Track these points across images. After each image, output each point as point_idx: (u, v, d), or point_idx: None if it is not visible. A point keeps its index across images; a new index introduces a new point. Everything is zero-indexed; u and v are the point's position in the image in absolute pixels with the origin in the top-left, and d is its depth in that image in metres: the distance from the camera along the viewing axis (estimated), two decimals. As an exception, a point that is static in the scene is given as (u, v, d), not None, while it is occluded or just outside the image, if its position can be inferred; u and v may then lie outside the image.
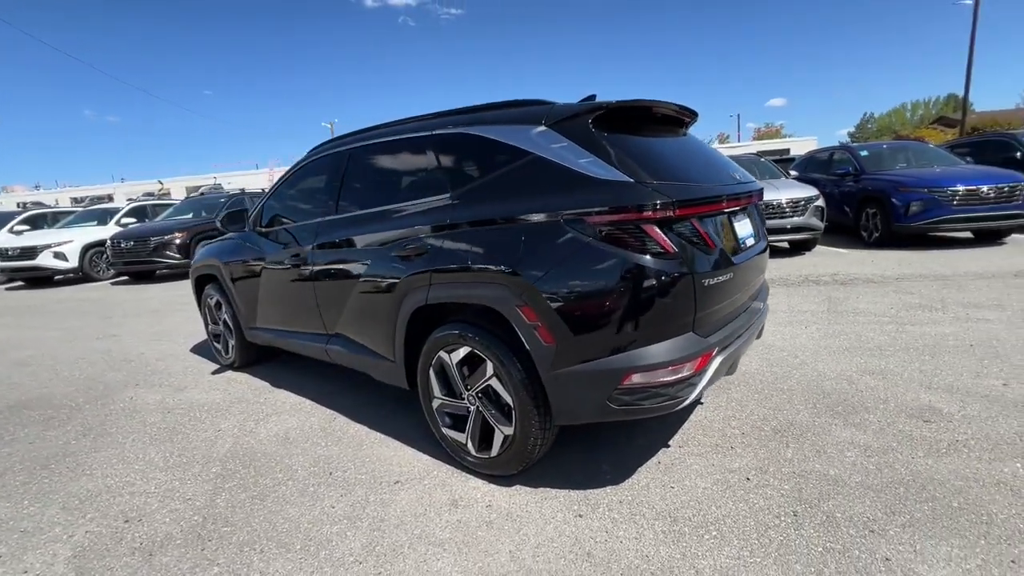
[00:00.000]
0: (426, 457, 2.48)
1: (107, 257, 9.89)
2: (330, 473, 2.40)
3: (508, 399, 2.05)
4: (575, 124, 1.98)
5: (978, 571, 1.57)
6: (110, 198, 35.37)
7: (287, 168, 3.35)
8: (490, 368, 2.08)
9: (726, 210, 2.04)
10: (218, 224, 3.60)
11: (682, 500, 2.01)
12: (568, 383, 1.89)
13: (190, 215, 11.05)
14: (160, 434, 2.96)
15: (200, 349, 4.68)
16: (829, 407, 2.69)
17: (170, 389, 3.70)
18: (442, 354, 2.26)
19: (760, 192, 2.46)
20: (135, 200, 13.50)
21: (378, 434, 2.76)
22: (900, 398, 2.74)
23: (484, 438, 2.23)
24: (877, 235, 7.56)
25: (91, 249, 10.23)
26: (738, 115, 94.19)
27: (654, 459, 2.32)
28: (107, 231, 10.42)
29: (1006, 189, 6.75)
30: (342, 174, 2.87)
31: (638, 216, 1.76)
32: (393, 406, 3.09)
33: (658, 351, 1.82)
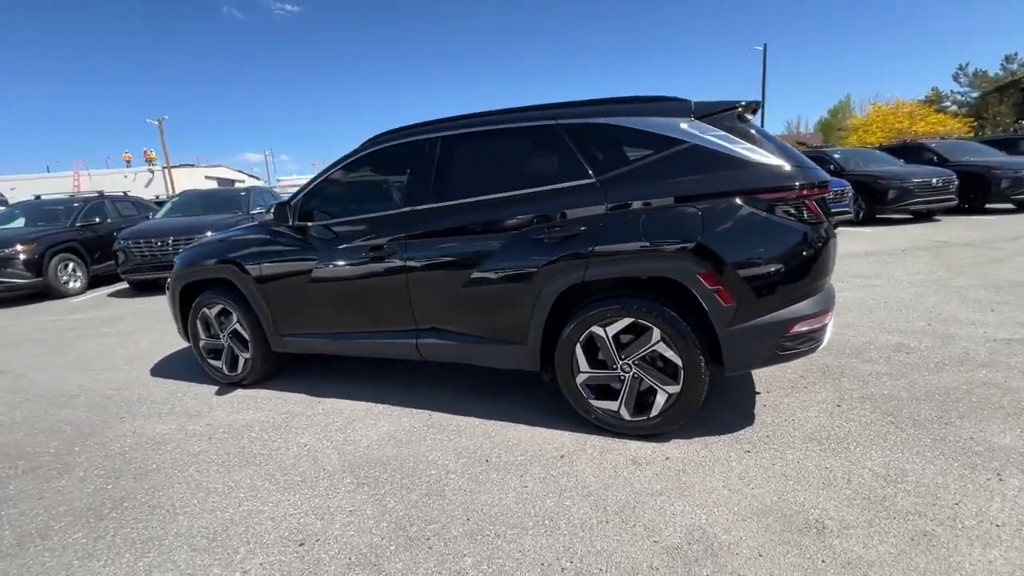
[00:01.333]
0: (565, 432, 2.57)
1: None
2: (487, 460, 2.37)
3: (676, 360, 2.30)
4: (723, 117, 2.33)
5: (1024, 435, 2.27)
6: None
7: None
8: (656, 334, 2.30)
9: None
10: (273, 216, 3.12)
11: (810, 427, 2.47)
12: (743, 337, 2.21)
13: (21, 222, 8.81)
14: (230, 460, 2.54)
15: (167, 371, 3.94)
16: (840, 352, 3.43)
17: (180, 416, 3.11)
18: (595, 329, 2.41)
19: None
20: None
21: (495, 422, 2.75)
22: (877, 340, 3.60)
23: (640, 402, 2.43)
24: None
25: None
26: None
27: (760, 402, 2.76)
28: None
29: (839, 192, 8.86)
30: (434, 162, 2.79)
31: (802, 193, 2.17)
32: (486, 396, 3.07)
33: (811, 303, 2.24)
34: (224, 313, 3.44)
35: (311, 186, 3.17)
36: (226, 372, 3.52)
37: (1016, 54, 32.77)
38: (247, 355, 3.41)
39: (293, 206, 3.10)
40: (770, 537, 1.75)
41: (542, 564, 1.71)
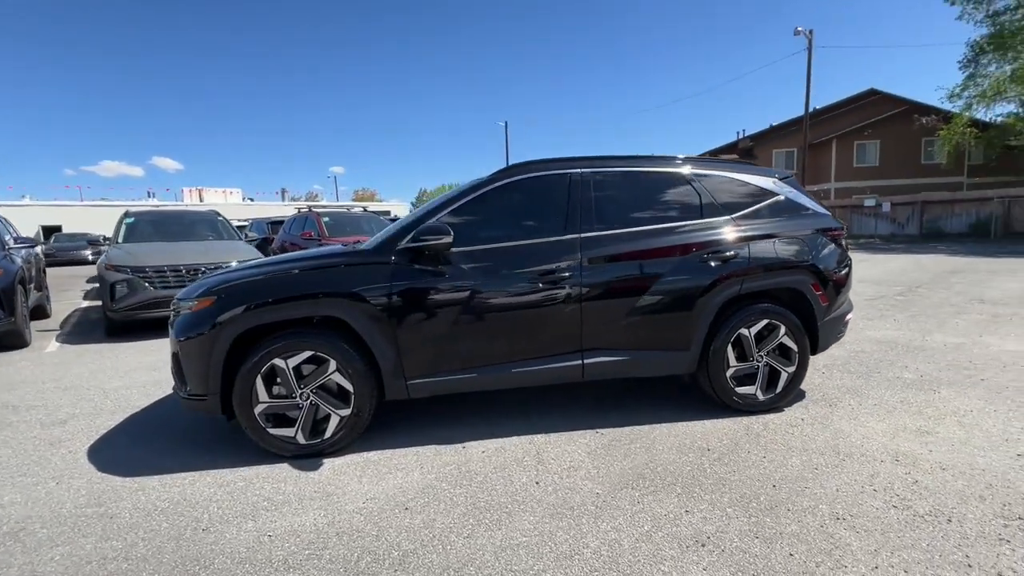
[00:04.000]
0: (716, 420, 3.10)
1: None
2: (708, 450, 2.74)
3: (793, 347, 3.19)
4: (790, 179, 3.44)
5: None
6: None
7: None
8: (783, 330, 3.16)
9: None
10: (431, 243, 2.57)
11: (834, 387, 3.68)
12: (829, 326, 3.28)
13: None
14: (491, 510, 2.16)
15: (135, 462, 2.68)
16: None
17: (303, 503, 2.31)
18: (742, 330, 3.11)
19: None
20: None
21: (662, 425, 3.07)
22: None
23: (769, 385, 3.21)
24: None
25: None
26: (335, 176, 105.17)
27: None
28: None
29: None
30: (589, 195, 3.05)
31: (842, 232, 3.42)
32: (619, 410, 3.32)
33: (850, 303, 3.50)
34: (310, 362, 2.69)
35: (444, 211, 2.92)
36: (302, 441, 2.71)
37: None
38: (345, 412, 2.73)
39: (430, 230, 2.80)
40: (940, 440, 2.76)
41: (888, 493, 2.28)
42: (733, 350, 3.13)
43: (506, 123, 35.18)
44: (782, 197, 3.35)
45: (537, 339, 2.93)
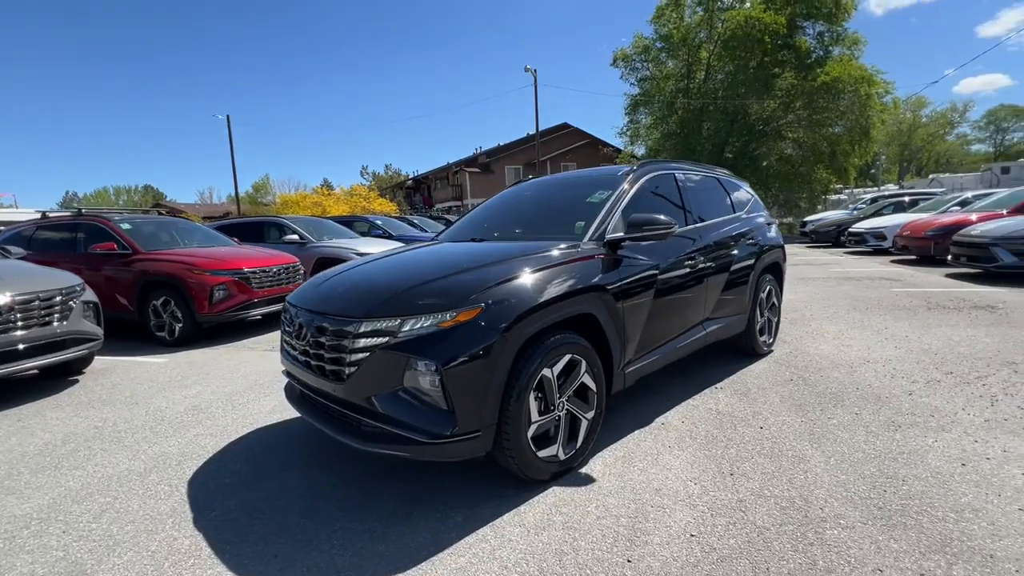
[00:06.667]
0: (760, 363, 4.13)
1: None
2: (804, 380, 3.69)
3: (776, 303, 4.50)
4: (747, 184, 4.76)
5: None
6: None
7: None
8: (774, 292, 4.43)
9: None
10: (658, 231, 2.51)
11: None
12: (784, 285, 4.72)
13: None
14: (781, 454, 2.52)
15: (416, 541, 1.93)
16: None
17: (659, 499, 2.17)
18: (761, 294, 4.22)
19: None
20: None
21: (737, 375, 3.87)
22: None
23: (769, 333, 4.43)
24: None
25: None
26: None
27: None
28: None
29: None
30: (687, 192, 3.61)
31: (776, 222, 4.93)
32: (704, 372, 3.95)
33: (777, 270, 5.06)
34: (567, 368, 2.41)
35: (623, 203, 3.04)
36: (562, 457, 2.42)
37: (391, 164, 50.04)
38: (591, 414, 2.56)
39: (629, 221, 2.87)
40: (885, 345, 4.37)
41: (933, 370, 3.60)
42: (760, 308, 4.22)
43: (228, 116, 29.82)
44: (752, 198, 4.64)
45: (692, 313, 3.37)
